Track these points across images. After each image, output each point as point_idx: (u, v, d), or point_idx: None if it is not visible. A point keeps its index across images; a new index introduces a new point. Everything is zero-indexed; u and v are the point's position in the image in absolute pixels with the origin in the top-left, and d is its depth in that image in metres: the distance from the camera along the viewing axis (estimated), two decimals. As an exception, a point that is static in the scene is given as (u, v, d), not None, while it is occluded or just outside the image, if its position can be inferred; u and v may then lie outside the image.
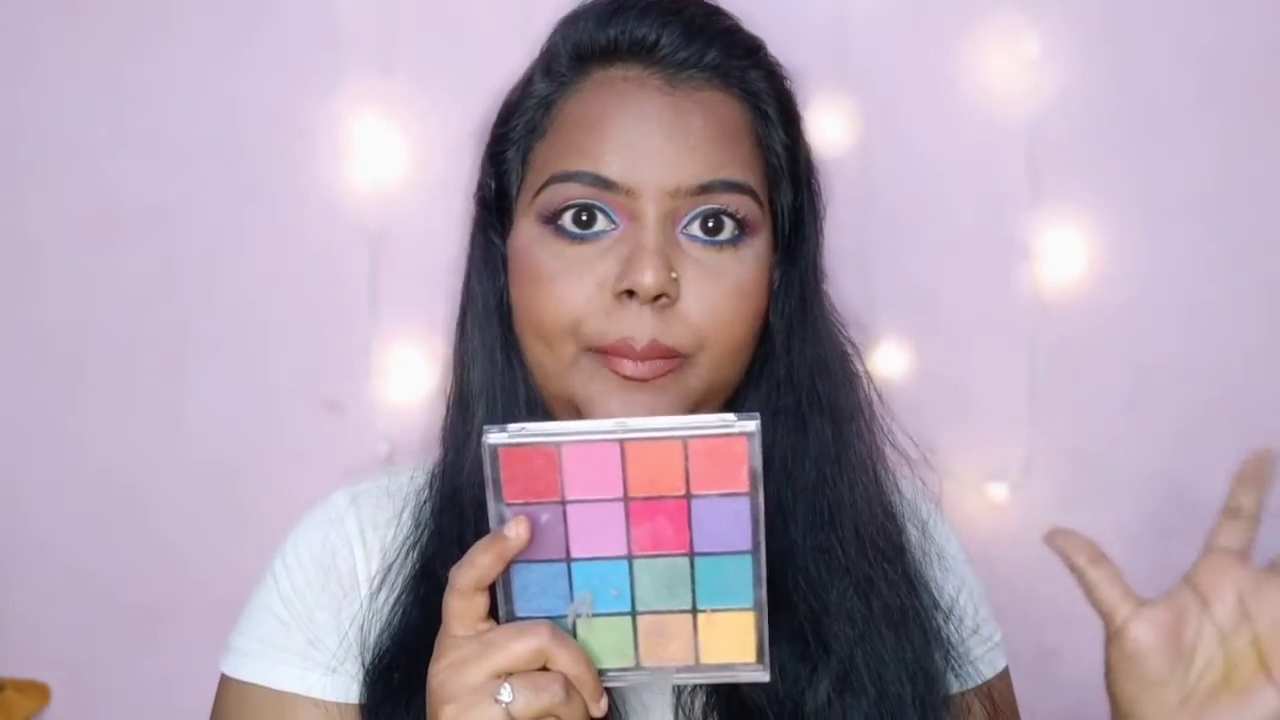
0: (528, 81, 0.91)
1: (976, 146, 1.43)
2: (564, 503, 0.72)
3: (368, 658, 0.87)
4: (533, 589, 0.74)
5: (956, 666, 0.91)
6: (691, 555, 0.73)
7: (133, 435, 1.44)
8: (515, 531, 0.72)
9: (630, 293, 0.82)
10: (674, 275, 0.83)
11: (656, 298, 0.82)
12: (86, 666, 1.44)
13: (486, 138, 0.92)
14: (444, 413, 0.93)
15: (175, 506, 1.43)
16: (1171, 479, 1.44)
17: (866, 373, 0.94)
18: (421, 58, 1.43)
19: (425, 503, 0.91)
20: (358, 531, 0.92)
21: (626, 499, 0.72)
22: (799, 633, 0.86)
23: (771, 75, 0.91)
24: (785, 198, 0.90)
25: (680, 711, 0.87)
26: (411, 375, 1.38)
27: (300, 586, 0.90)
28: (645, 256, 0.82)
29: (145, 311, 1.44)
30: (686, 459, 0.71)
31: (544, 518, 0.73)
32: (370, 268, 1.43)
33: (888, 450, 0.93)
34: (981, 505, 1.43)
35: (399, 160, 1.43)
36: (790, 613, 0.86)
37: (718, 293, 0.84)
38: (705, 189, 0.84)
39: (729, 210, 0.84)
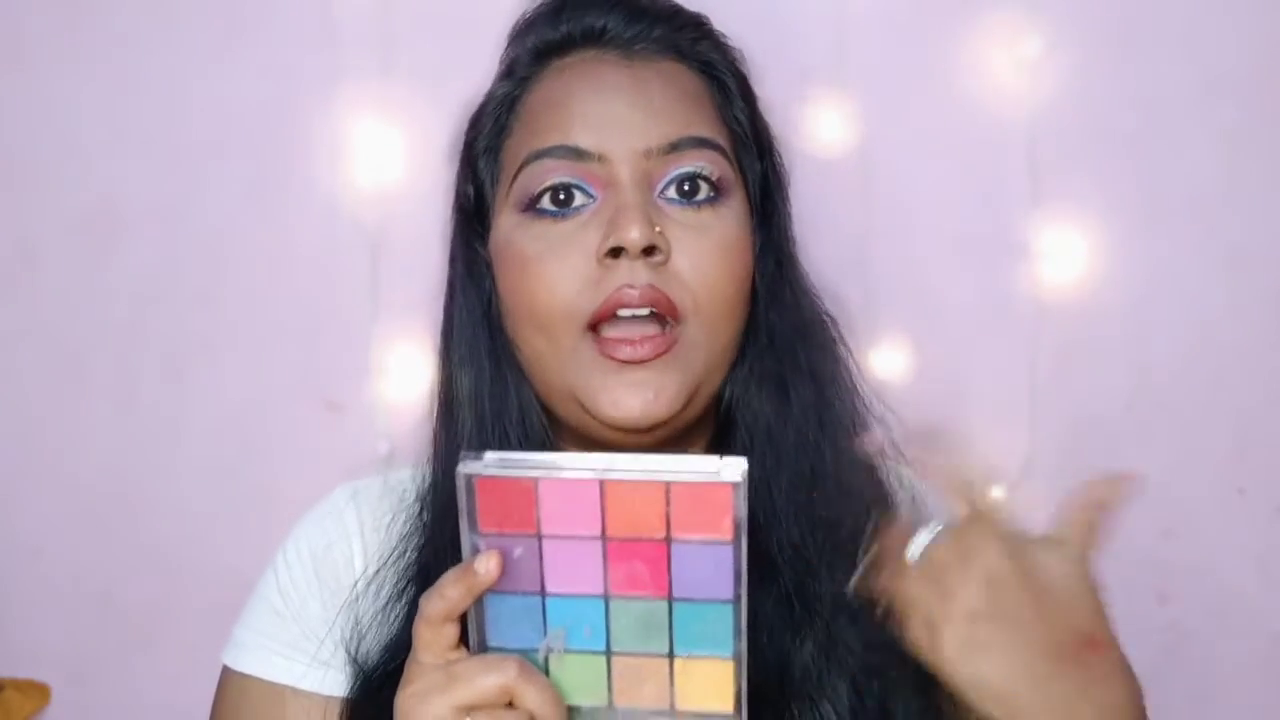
0: (492, 89, 0.93)
1: (976, 146, 1.43)
2: (540, 537, 0.70)
3: (358, 654, 0.88)
4: (505, 620, 0.72)
5: None
6: (670, 600, 0.71)
7: (132, 435, 1.44)
8: (485, 567, 0.70)
9: (616, 253, 0.83)
10: (659, 229, 0.83)
11: (647, 252, 0.83)
12: (86, 666, 1.44)
13: (459, 150, 0.94)
14: (432, 426, 0.93)
15: (175, 506, 1.43)
16: (1171, 478, 1.44)
17: (844, 341, 0.94)
18: (422, 58, 1.43)
19: (419, 513, 0.91)
20: (357, 527, 0.92)
21: (604, 538, 0.70)
22: (784, 596, 0.86)
23: (721, 47, 0.94)
24: (752, 167, 0.91)
25: None
26: (411, 375, 1.38)
27: (297, 580, 0.91)
28: (628, 213, 0.83)
29: (145, 311, 1.44)
30: (668, 502, 0.69)
31: (518, 551, 0.71)
32: (370, 268, 1.43)
33: (872, 420, 0.94)
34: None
35: (399, 160, 1.43)
36: (775, 577, 0.86)
37: (705, 248, 0.85)
38: (675, 147, 0.85)
39: (702, 172, 0.86)
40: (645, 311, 0.83)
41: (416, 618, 0.73)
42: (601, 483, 0.69)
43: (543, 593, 0.71)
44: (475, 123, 0.93)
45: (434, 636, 0.72)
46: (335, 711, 0.89)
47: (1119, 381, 1.43)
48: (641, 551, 0.70)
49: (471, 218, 0.93)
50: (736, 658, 0.72)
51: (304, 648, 0.90)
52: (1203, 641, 1.43)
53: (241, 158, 1.43)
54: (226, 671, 0.92)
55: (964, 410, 1.44)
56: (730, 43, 0.94)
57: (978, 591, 0.70)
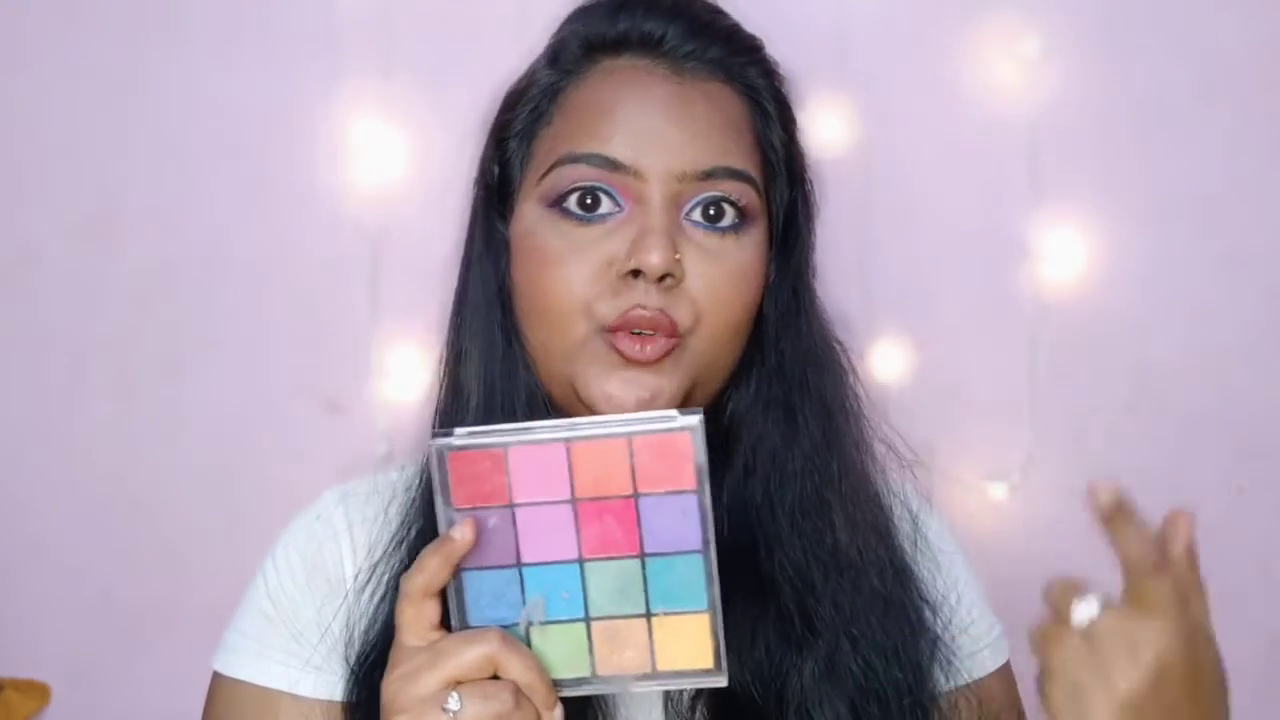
0: (534, 71, 0.92)
1: (977, 146, 1.43)
2: (512, 506, 0.73)
3: (352, 655, 0.88)
4: (485, 597, 0.74)
5: (944, 663, 0.92)
6: (642, 556, 0.73)
7: (132, 435, 1.44)
8: (460, 533, 0.72)
9: (636, 273, 0.83)
10: (678, 257, 0.84)
11: (662, 278, 0.83)
12: (86, 666, 1.44)
13: (490, 126, 0.93)
14: (436, 403, 0.93)
15: (175, 506, 1.43)
16: (1171, 479, 1.44)
17: (854, 368, 0.95)
18: (421, 58, 1.43)
19: (413, 500, 0.92)
20: (345, 527, 0.92)
21: (574, 500, 0.72)
22: (785, 616, 0.86)
23: (770, 74, 0.93)
24: (781, 194, 0.91)
25: (669, 701, 0.87)
26: (411, 375, 1.38)
27: (287, 583, 0.91)
28: (653, 237, 0.83)
29: (145, 311, 1.44)
30: (632, 457, 0.72)
31: (492, 521, 0.73)
32: (370, 268, 1.43)
33: (877, 445, 0.94)
34: (981, 505, 1.43)
35: (399, 160, 1.43)
36: (776, 597, 0.86)
37: (718, 274, 0.86)
38: (709, 174, 0.86)
39: (731, 198, 0.87)
40: (650, 331, 0.85)
41: (398, 598, 0.74)
42: (568, 446, 0.72)
43: (519, 563, 0.73)
44: (513, 104, 0.93)
45: (416, 615, 0.73)
46: (330, 715, 0.88)
47: (1119, 381, 1.44)
48: (611, 510, 0.72)
49: (494, 195, 0.93)
50: (711, 608, 0.73)
51: (296, 651, 0.89)
52: (1203, 641, 1.43)
53: (241, 158, 1.43)
54: (217, 677, 0.91)
55: (964, 410, 1.44)
56: (778, 68, 0.94)
57: (1144, 683, 0.68)
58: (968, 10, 1.43)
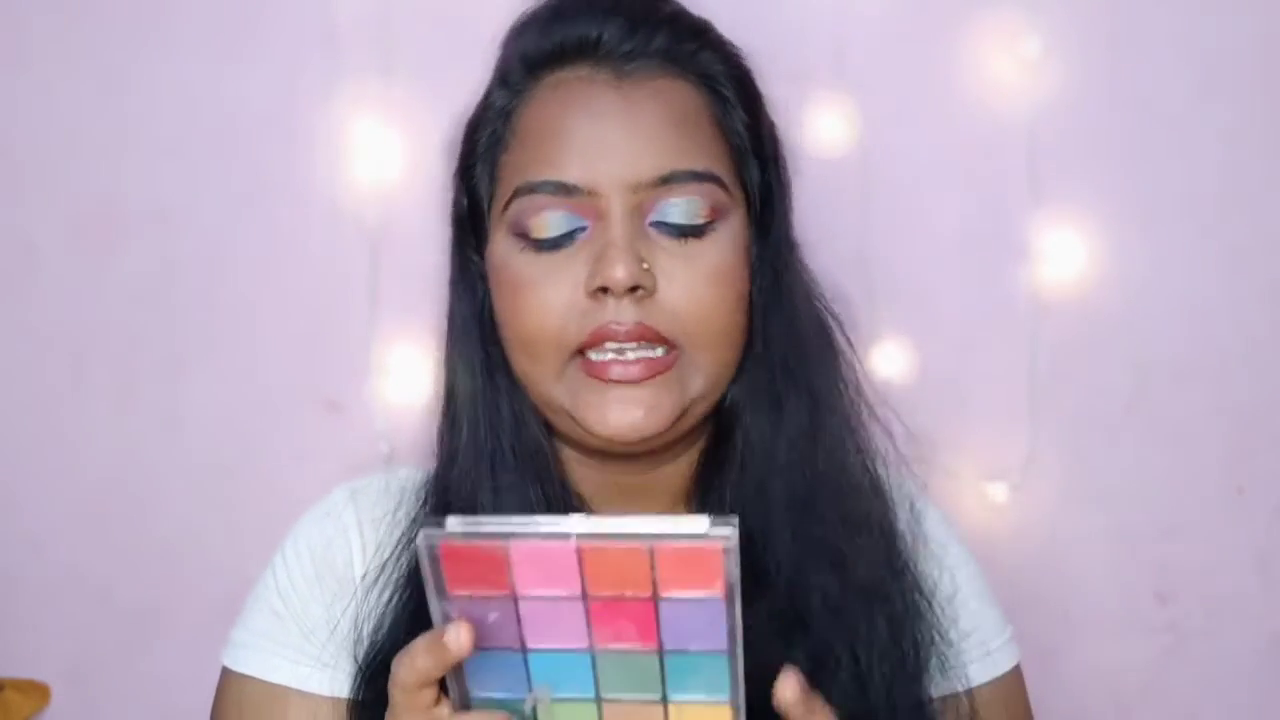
0: (487, 96, 0.91)
1: (976, 147, 1.43)
2: (515, 598, 0.65)
3: (360, 654, 0.88)
4: (486, 670, 0.67)
5: (941, 658, 0.91)
6: (660, 652, 0.66)
7: (132, 435, 1.44)
8: (456, 641, 0.65)
9: (604, 290, 0.82)
10: (646, 266, 0.83)
11: (632, 290, 0.82)
12: (86, 666, 1.44)
13: (456, 156, 0.93)
14: (438, 423, 0.93)
15: (175, 506, 1.43)
16: (1171, 479, 1.44)
17: (849, 343, 0.92)
18: (421, 58, 1.43)
19: (421, 505, 0.91)
20: (355, 525, 0.92)
21: (586, 597, 0.64)
22: (775, 610, 0.86)
23: (725, 56, 0.90)
24: (753, 176, 0.90)
25: None
26: (411, 375, 1.38)
27: (296, 580, 0.91)
28: (614, 252, 0.82)
29: (145, 311, 1.44)
30: (654, 565, 0.63)
31: (492, 616, 0.65)
32: (370, 268, 1.43)
33: (874, 435, 0.93)
34: (981, 505, 1.42)
35: (399, 160, 1.43)
36: (767, 590, 0.86)
37: (694, 277, 0.84)
38: (667, 180, 0.84)
39: (694, 206, 0.85)
40: (632, 345, 0.83)
41: (390, 680, 0.68)
42: (579, 549, 0.63)
43: (524, 649, 0.66)
44: (472, 133, 0.92)
45: (410, 701, 0.68)
46: (338, 712, 0.88)
47: (1119, 381, 1.44)
48: (627, 610, 0.64)
49: (466, 226, 0.92)
50: (734, 706, 0.67)
51: (305, 649, 0.90)
52: (1203, 641, 1.44)
53: (241, 158, 1.43)
54: (226, 673, 0.92)
55: (964, 410, 1.44)
56: (732, 47, 0.91)
57: None
58: (967, 10, 1.42)
